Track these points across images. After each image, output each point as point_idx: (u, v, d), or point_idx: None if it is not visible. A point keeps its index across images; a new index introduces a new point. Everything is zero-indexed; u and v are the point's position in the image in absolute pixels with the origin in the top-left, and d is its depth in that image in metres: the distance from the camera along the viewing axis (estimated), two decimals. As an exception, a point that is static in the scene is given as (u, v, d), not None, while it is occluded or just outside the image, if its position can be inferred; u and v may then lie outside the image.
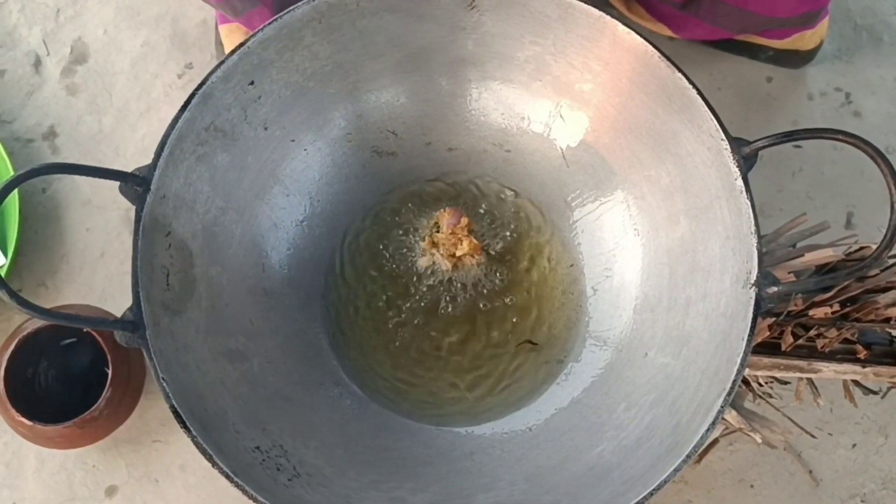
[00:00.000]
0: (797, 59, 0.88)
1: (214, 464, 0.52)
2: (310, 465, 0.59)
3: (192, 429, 0.52)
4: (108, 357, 0.72)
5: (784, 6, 0.77)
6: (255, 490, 0.52)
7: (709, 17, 0.80)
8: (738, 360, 0.53)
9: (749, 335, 0.53)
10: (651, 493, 0.51)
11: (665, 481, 0.51)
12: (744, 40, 0.88)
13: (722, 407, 0.53)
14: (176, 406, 0.52)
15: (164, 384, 0.53)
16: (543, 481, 0.60)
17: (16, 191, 0.74)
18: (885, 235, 0.51)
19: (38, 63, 0.90)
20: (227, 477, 0.52)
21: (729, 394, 0.53)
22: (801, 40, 0.85)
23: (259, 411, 0.60)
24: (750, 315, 0.54)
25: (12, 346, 0.72)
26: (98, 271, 0.84)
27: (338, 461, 0.61)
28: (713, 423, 0.52)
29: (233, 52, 0.60)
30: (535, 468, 0.62)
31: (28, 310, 0.49)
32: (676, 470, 0.52)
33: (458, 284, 0.72)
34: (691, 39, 0.87)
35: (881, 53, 0.91)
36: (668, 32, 0.86)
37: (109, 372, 0.72)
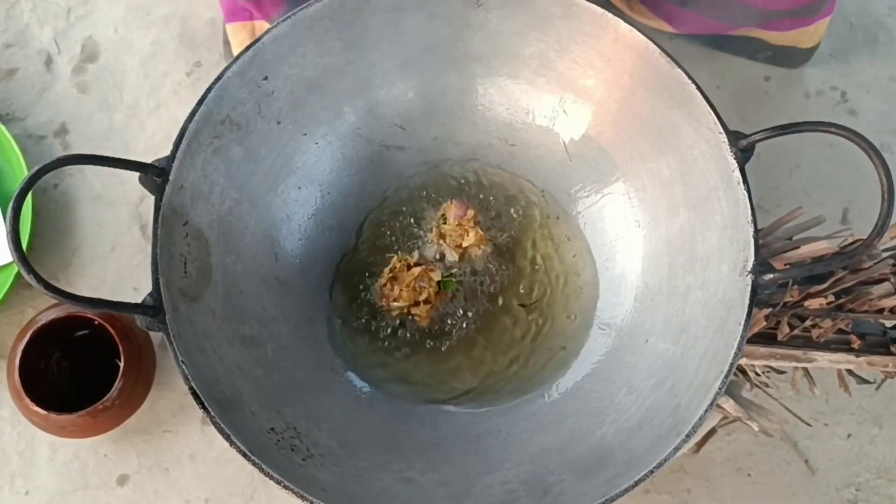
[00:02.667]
0: (794, 58, 0.88)
1: (232, 443, 0.52)
2: (323, 447, 0.60)
3: (210, 409, 0.53)
4: (120, 348, 0.72)
5: None
6: (272, 468, 0.52)
7: (707, 12, 0.80)
8: (736, 345, 0.54)
9: (746, 320, 0.55)
10: (651, 472, 0.52)
11: (665, 459, 0.52)
12: (744, 35, 0.87)
13: (720, 389, 0.54)
14: (195, 387, 0.53)
15: (184, 367, 0.54)
16: (548, 462, 0.61)
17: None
18: (876, 224, 0.51)
19: (49, 61, 0.90)
20: (245, 456, 0.52)
21: (727, 376, 0.54)
22: (802, 36, 0.85)
23: (273, 394, 0.61)
24: (747, 301, 0.55)
25: (26, 338, 0.73)
26: (109, 265, 0.84)
27: (349, 443, 0.62)
28: (711, 405, 0.54)
29: (248, 47, 0.61)
30: (539, 450, 0.63)
31: (55, 294, 0.50)
32: (676, 449, 0.53)
33: (465, 274, 0.73)
34: (690, 34, 0.87)
35: (876, 53, 0.92)
36: (668, 28, 0.86)
37: (121, 363, 0.72)
